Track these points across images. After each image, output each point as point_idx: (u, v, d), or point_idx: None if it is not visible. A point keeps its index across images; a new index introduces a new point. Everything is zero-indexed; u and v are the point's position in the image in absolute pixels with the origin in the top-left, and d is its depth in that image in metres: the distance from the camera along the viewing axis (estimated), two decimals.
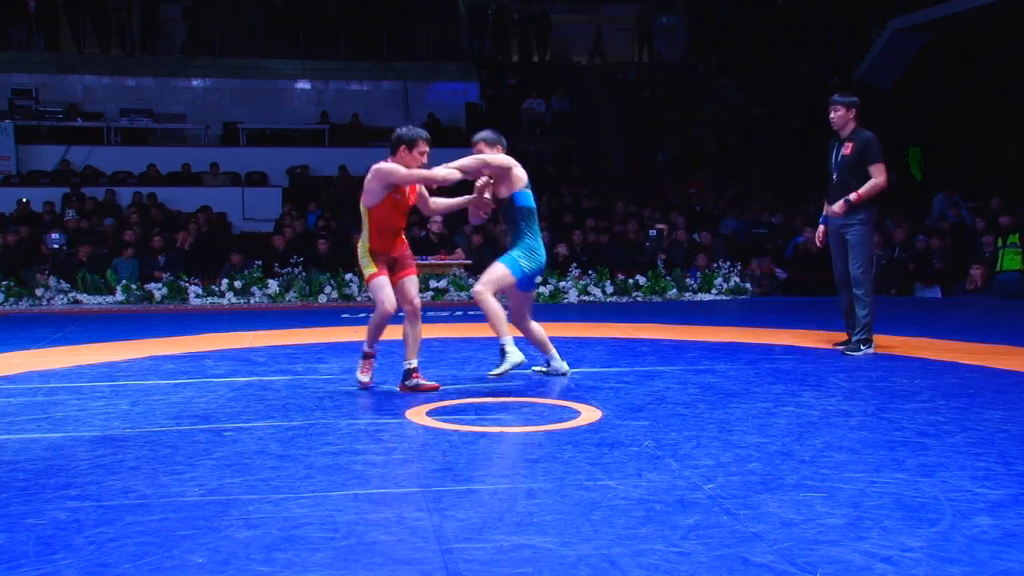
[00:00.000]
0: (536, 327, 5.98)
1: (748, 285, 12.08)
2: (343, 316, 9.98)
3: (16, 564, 2.83)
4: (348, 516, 3.25)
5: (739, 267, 12.23)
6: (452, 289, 11.53)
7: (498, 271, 5.63)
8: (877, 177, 6.74)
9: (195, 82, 19.45)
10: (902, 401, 5.17)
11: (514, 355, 5.56)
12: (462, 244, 12.82)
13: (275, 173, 16.93)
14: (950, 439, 4.29)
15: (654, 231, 13.08)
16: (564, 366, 6.01)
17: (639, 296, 11.66)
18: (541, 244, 5.75)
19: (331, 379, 6.00)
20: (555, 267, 11.99)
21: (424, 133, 5.53)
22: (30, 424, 4.73)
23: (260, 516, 3.26)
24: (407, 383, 5.58)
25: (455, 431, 4.52)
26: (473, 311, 10.45)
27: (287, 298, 11.22)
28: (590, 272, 11.83)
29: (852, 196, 6.73)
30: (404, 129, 5.56)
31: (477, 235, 13.14)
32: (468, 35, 21.22)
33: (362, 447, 4.27)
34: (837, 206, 6.80)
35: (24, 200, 14.82)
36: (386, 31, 20.35)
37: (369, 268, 5.57)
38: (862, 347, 6.91)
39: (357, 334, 8.29)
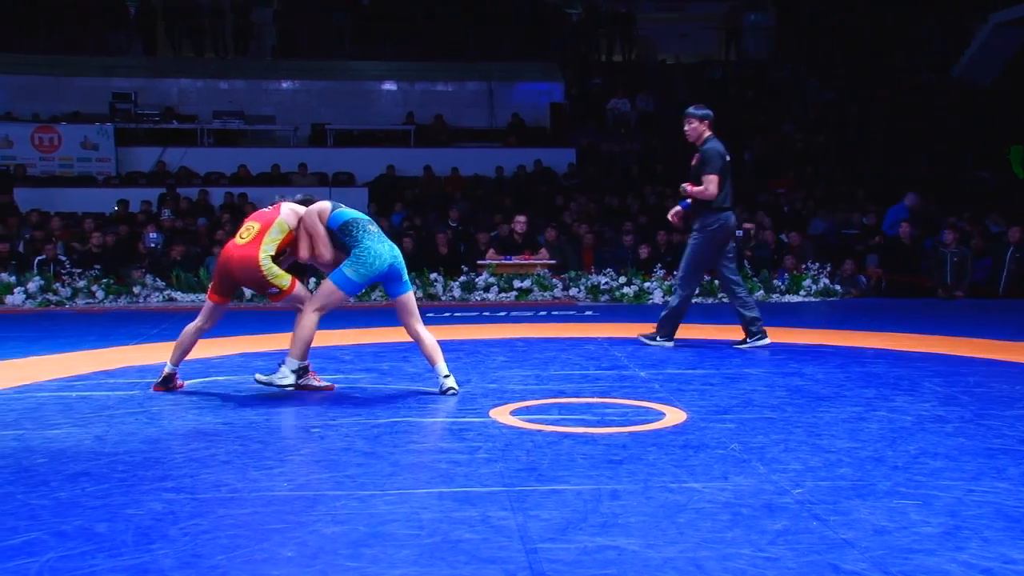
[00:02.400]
0: (426, 336, 5.50)
1: (838, 287, 11.81)
2: (428, 315, 10.05)
3: (117, 552, 2.93)
4: (433, 514, 3.28)
5: (828, 268, 11.95)
6: (536, 289, 11.54)
7: (325, 288, 5.45)
8: (707, 185, 7.07)
9: (284, 84, 19.87)
10: (1002, 407, 4.99)
11: (285, 378, 5.36)
12: (546, 244, 12.82)
13: (362, 173, 17.19)
14: None
15: (741, 231, 12.87)
16: (449, 383, 5.44)
17: (724, 297, 11.48)
18: (373, 246, 5.35)
19: (416, 377, 6.05)
20: (639, 268, 11.90)
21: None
22: (128, 418, 4.88)
23: (347, 512, 3.30)
24: (304, 380, 5.61)
25: (539, 431, 4.52)
26: (557, 311, 10.45)
27: (372, 297, 11.37)
28: (675, 273, 11.70)
29: (687, 186, 7.19)
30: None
31: (560, 233, 13.13)
32: (553, 35, 21.20)
33: (447, 445, 4.30)
34: (673, 212, 7.40)
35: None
36: (471, 32, 20.47)
37: (284, 276, 5.49)
38: (658, 338, 7.35)
39: (442, 333, 8.36)
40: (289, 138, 18.78)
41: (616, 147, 18.50)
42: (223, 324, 8.99)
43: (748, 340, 7.27)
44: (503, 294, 11.54)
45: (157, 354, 7.17)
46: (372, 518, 3.23)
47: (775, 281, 11.74)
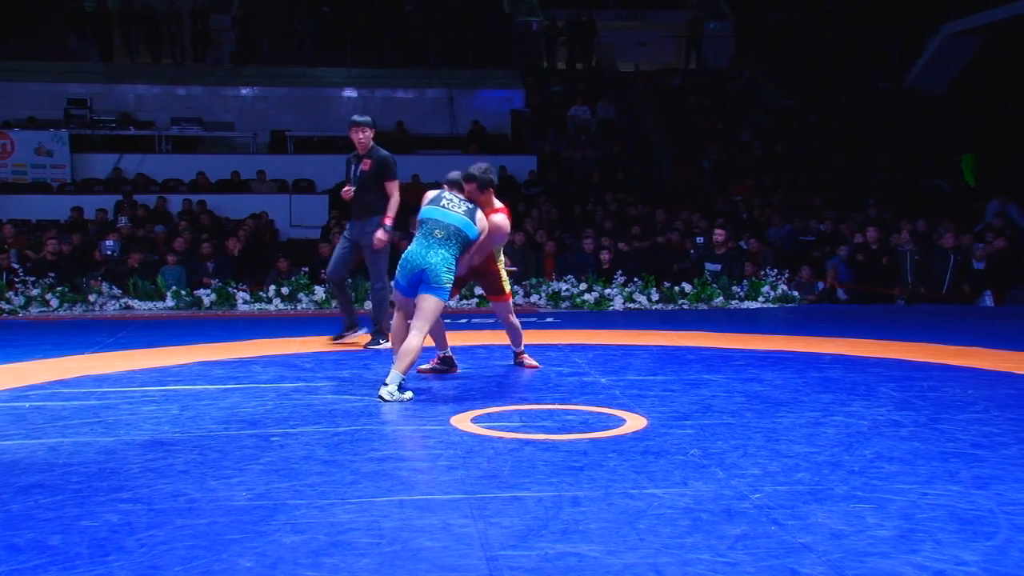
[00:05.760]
0: (410, 340, 5.62)
1: (796, 293, 11.93)
2: (390, 322, 10.00)
3: (71, 565, 2.88)
4: (394, 522, 3.27)
5: (787, 275, 12.08)
6: None
7: (430, 306, 5.69)
8: (393, 194, 7.59)
9: (243, 90, 19.72)
10: (955, 411, 5.08)
11: (405, 392, 5.51)
12: (507, 251, 12.81)
13: (322, 180, 17.08)
14: (1005, 451, 4.21)
15: (701, 238, 12.96)
16: (382, 390, 5.50)
17: (685, 304, 11.58)
18: (411, 248, 5.86)
19: (377, 385, 6.01)
20: (600, 274, 11.95)
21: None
22: (84, 428, 4.81)
23: (307, 521, 3.28)
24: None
25: (500, 438, 4.53)
26: (519, 317, 10.43)
27: (334, 304, 11.29)
28: (635, 279, 11.76)
29: (387, 221, 7.51)
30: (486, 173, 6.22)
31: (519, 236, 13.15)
32: (514, 43, 21.25)
33: (407, 453, 4.29)
34: (380, 233, 7.47)
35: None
36: (432, 39, 20.45)
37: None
38: (382, 341, 7.49)
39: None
40: (249, 145, 18.63)
41: (577, 154, 18.58)
42: (183, 331, 8.93)
43: (345, 334, 7.87)
44: (464, 301, 11.53)
45: (113, 363, 7.07)
46: (332, 527, 3.22)
47: (734, 287, 11.83)
